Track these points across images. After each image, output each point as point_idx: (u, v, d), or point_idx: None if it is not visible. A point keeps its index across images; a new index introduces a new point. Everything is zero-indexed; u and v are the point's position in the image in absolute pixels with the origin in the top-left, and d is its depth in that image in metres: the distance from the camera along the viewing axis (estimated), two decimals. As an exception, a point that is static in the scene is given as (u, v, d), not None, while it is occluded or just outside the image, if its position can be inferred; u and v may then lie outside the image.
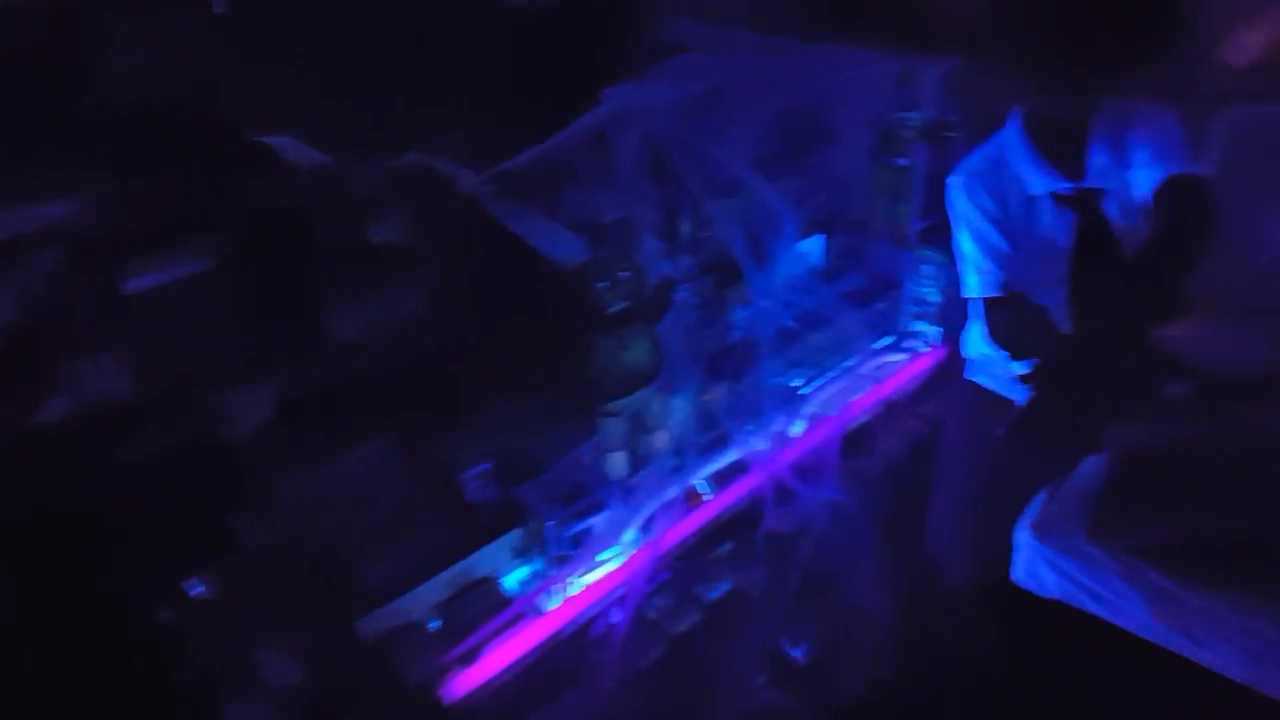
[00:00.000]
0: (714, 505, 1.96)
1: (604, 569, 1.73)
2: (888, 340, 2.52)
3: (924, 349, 2.52)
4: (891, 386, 2.41)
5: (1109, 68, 1.57)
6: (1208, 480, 1.38)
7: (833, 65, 2.26)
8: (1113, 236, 1.67)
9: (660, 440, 1.90)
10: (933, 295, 2.48)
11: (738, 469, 2.03)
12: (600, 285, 1.76)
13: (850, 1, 2.24)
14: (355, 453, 1.67)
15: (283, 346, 1.67)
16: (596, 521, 1.71)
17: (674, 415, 1.95)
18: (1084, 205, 1.67)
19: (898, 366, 2.47)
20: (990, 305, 1.74)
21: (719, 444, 2.04)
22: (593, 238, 1.82)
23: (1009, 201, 1.72)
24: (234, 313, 1.66)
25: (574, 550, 1.67)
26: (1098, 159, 1.63)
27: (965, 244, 1.77)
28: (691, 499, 1.92)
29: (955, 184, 1.76)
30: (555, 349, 1.74)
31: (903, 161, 2.31)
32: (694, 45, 2.54)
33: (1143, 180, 1.57)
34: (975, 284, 1.77)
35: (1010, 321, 1.70)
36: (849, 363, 2.39)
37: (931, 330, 2.51)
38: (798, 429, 2.18)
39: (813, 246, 2.36)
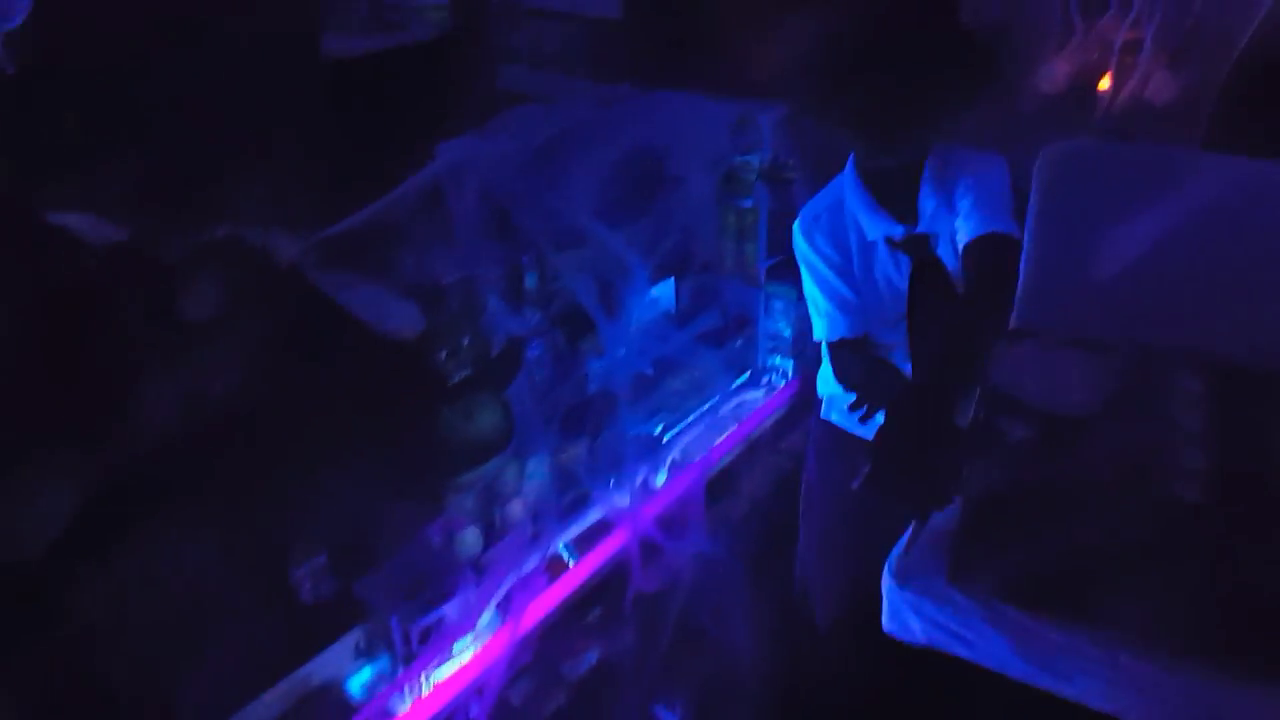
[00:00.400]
0: (578, 572, 1.87)
1: (460, 659, 1.62)
2: (745, 378, 2.50)
3: (781, 383, 2.51)
4: (752, 424, 2.39)
5: (926, 115, 1.58)
6: (1057, 518, 1.37)
7: (670, 111, 2.23)
8: (947, 281, 1.68)
9: (516, 509, 1.81)
10: (785, 330, 2.48)
11: (601, 529, 1.96)
12: (441, 355, 1.67)
13: (681, 49, 2.22)
14: (167, 554, 1.52)
15: (81, 440, 1.50)
16: (448, 609, 1.60)
17: (530, 480, 1.86)
18: (916, 250, 1.68)
19: (756, 404, 2.45)
20: (835, 349, 1.74)
21: (580, 505, 1.96)
22: (431, 303, 1.72)
23: (849, 245, 1.72)
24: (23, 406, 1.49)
25: (424, 645, 1.56)
26: (928, 204, 1.63)
27: (810, 288, 1.76)
28: (553, 568, 1.84)
29: (798, 229, 1.75)
30: (393, 426, 1.63)
31: (746, 203, 2.30)
32: (531, 94, 2.48)
33: (962, 228, 1.58)
34: (821, 328, 1.76)
35: (855, 366, 1.69)
36: (709, 404, 2.35)
37: (786, 364, 2.51)
38: (661, 479, 2.13)
39: (664, 290, 2.32)
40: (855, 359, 1.69)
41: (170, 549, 1.55)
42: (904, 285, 1.69)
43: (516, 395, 1.86)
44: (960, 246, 1.56)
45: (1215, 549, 1.29)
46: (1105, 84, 3.08)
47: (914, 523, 1.54)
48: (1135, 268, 1.67)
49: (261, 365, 1.70)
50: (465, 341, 1.69)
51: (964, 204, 1.58)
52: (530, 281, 2.05)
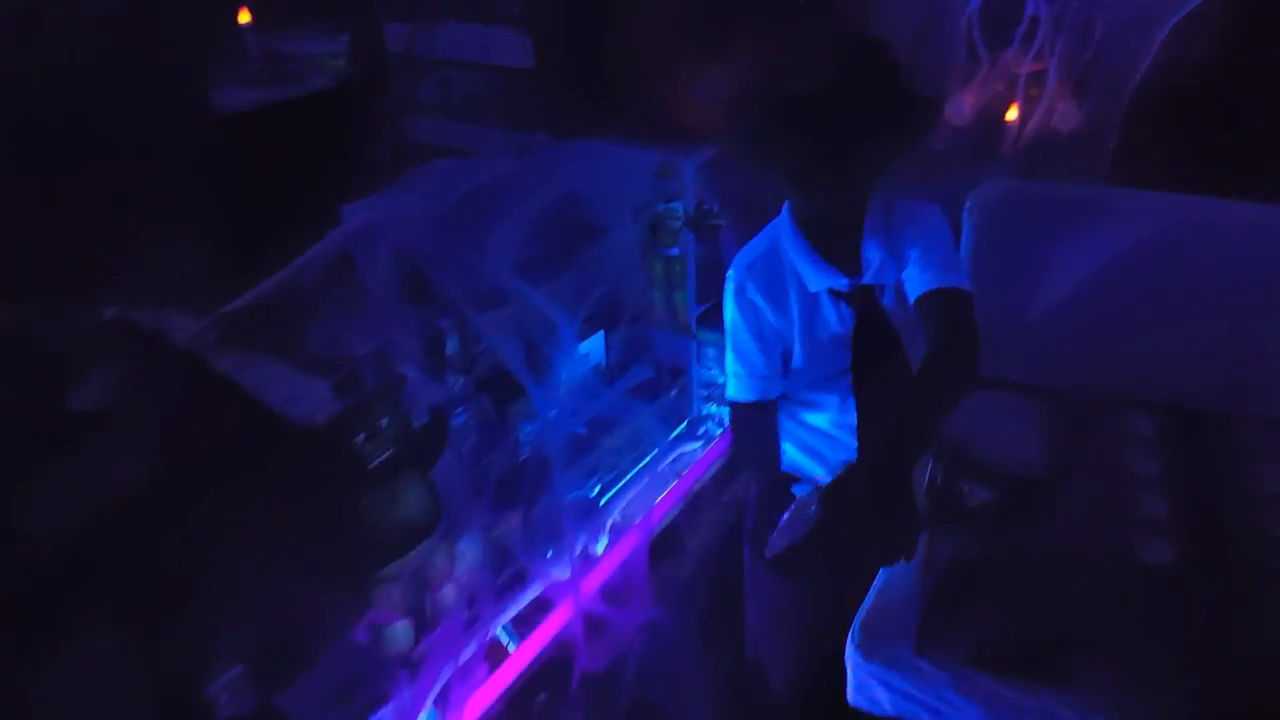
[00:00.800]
0: (519, 657, 1.74)
1: (398, 769, 1.48)
2: (681, 428, 2.41)
3: (718, 432, 2.43)
4: (692, 478, 2.30)
5: (867, 166, 1.52)
6: (1024, 584, 1.31)
7: (590, 160, 2.14)
8: (892, 335, 1.62)
9: (448, 595, 1.67)
10: (719, 377, 2.40)
11: (541, 607, 1.83)
12: (358, 437, 1.53)
13: (599, 97, 2.14)
14: (61, 677, 1.34)
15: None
16: (382, 714, 1.45)
17: (462, 562, 1.72)
18: (861, 303, 1.61)
19: (695, 455, 2.36)
20: (740, 412, 1.66)
21: (517, 582, 1.83)
22: (344, 380, 1.59)
23: (787, 296, 1.64)
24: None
25: (356, 758, 1.41)
26: (873, 255, 1.56)
27: (729, 343, 1.67)
28: (493, 655, 1.70)
29: (732, 279, 1.66)
30: (309, 519, 1.48)
31: (673, 251, 2.22)
32: (443, 146, 2.37)
33: (913, 281, 1.52)
34: (734, 387, 1.68)
35: (756, 442, 1.62)
36: (646, 460, 2.25)
37: (722, 411, 2.43)
38: (601, 546, 2.01)
39: (593, 345, 2.21)
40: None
41: (64, 670, 1.38)
42: (845, 336, 1.62)
43: (443, 470, 1.73)
44: (912, 300, 1.50)
45: (1185, 613, 1.25)
46: (1012, 115, 3.12)
47: (875, 590, 1.46)
48: (1073, 309, 1.64)
49: (158, 460, 1.53)
50: (384, 420, 1.55)
51: (913, 255, 1.52)
52: (452, 346, 1.93)
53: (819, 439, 1.69)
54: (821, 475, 1.68)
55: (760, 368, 1.66)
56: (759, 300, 1.63)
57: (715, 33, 2.08)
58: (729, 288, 1.67)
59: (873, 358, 1.62)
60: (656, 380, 2.36)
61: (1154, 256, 1.62)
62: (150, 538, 1.49)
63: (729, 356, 1.70)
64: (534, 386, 1.94)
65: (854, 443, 1.64)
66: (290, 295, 1.73)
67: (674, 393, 2.36)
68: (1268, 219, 1.64)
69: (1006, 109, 3.07)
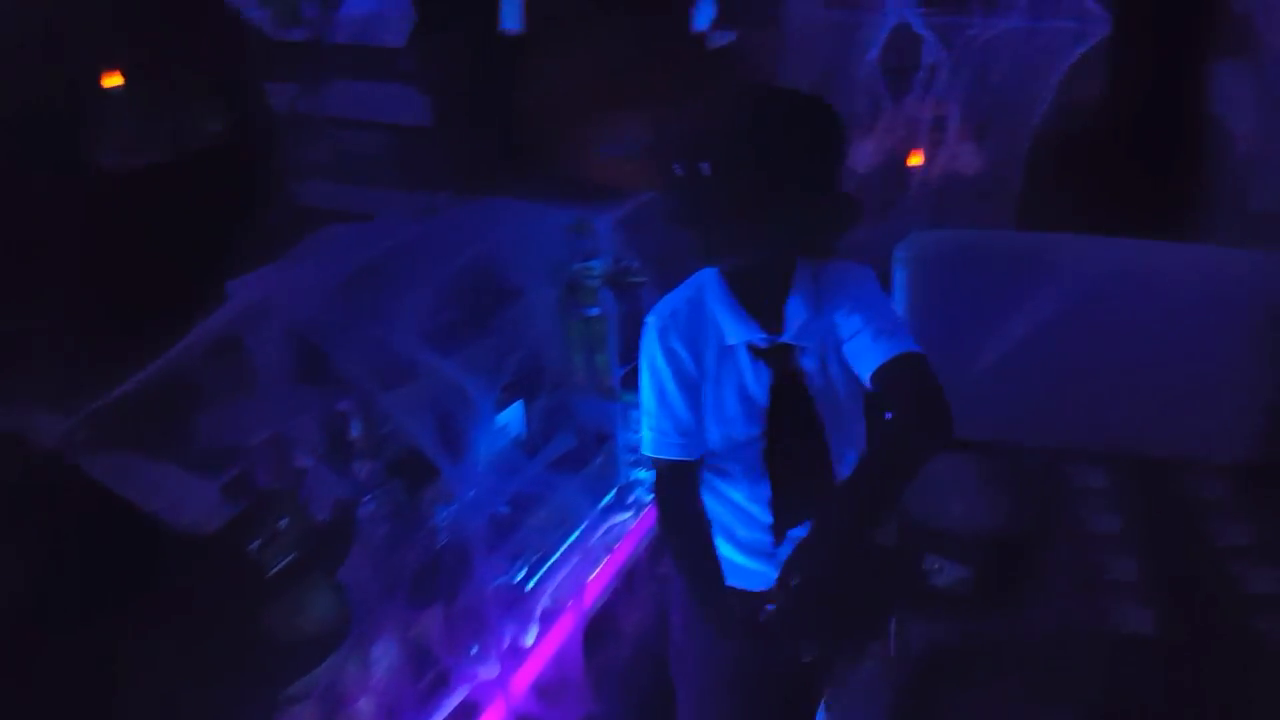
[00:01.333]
0: (448, 772, 1.57)
1: None
2: (610, 498, 2.28)
3: (648, 498, 2.31)
4: (625, 551, 2.17)
5: (799, 229, 1.44)
6: (1001, 671, 1.21)
7: (499, 220, 2.03)
8: (808, 399, 1.52)
9: (365, 709, 1.49)
10: (646, 441, 2.29)
11: (468, 712, 1.67)
12: (253, 544, 1.36)
13: (504, 155, 2.04)
14: None
15: None
16: None
17: (378, 670, 1.55)
18: (779, 361, 1.51)
19: (626, 526, 2.23)
20: (665, 472, 1.55)
21: (440, 686, 1.67)
22: (235, 481, 1.42)
23: (706, 348, 1.53)
24: None
25: None
26: (797, 314, 1.48)
27: (647, 394, 1.56)
28: (419, 774, 1.53)
29: (653, 325, 1.54)
30: (203, 640, 1.30)
31: (592, 311, 2.11)
32: (339, 211, 2.22)
33: (864, 353, 1.44)
34: (653, 443, 1.56)
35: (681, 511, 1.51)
36: (575, 536, 2.11)
37: (651, 475, 2.31)
38: (531, 637, 1.86)
39: (512, 416, 2.08)
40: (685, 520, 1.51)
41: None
42: (761, 398, 1.52)
43: (352, 570, 1.57)
44: (868, 376, 1.41)
45: (1168, 690, 1.18)
46: (916, 160, 3.14)
47: (832, 687, 1.34)
48: (1014, 360, 1.60)
49: (26, 582, 1.33)
50: (282, 521, 1.39)
51: (853, 324, 1.44)
52: (356, 430, 1.76)
53: (730, 512, 1.58)
54: (729, 554, 1.57)
55: (685, 422, 1.53)
56: (680, 348, 1.52)
57: (626, 84, 2.01)
58: (649, 334, 1.55)
59: (787, 424, 1.52)
60: (581, 449, 2.23)
61: (1091, 302, 1.59)
62: (23, 672, 1.29)
63: (647, 410, 1.57)
64: (449, 467, 1.79)
65: (766, 519, 1.55)
66: (172, 384, 1.56)
67: (600, 460, 2.24)
68: (1196, 258, 1.64)
69: (910, 155, 3.10)
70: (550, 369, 2.15)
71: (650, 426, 1.55)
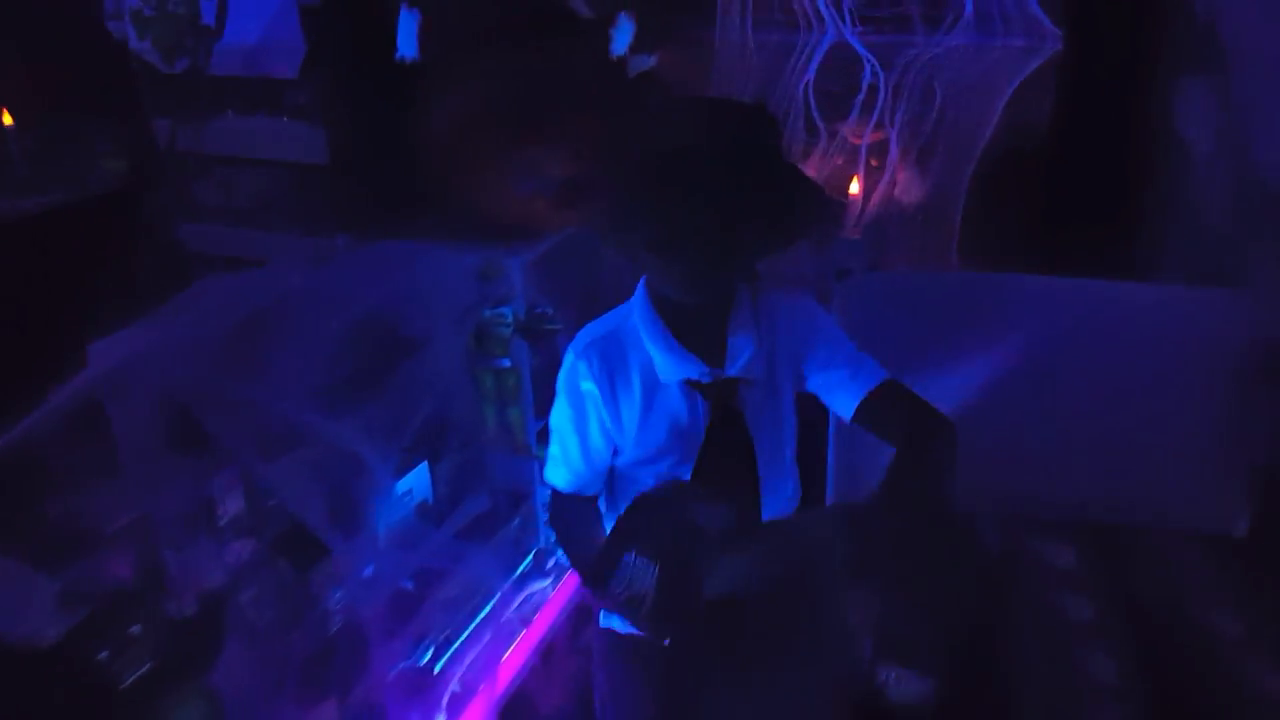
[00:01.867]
0: None
1: None
2: (527, 563, 2.14)
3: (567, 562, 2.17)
4: (543, 624, 2.03)
5: (752, 251, 1.34)
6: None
7: (399, 264, 1.88)
8: (747, 437, 1.43)
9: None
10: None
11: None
12: (101, 654, 1.21)
13: (405, 194, 1.89)
14: None
15: None
16: None
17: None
18: (720, 396, 1.42)
19: (544, 594, 2.09)
20: (558, 498, 1.48)
21: (333, 796, 1.51)
22: (79, 584, 1.26)
23: (629, 383, 1.43)
24: None
25: None
26: (743, 348, 1.40)
27: (560, 421, 1.47)
28: None
29: (574, 354, 1.44)
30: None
31: (503, 362, 1.98)
32: (234, 256, 2.06)
33: (840, 389, 1.40)
34: (552, 470, 1.49)
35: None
36: (488, 610, 1.97)
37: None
38: (438, 728, 1.71)
39: (417, 480, 1.93)
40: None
41: None
42: (695, 433, 1.42)
43: (227, 670, 1.41)
44: (850, 413, 1.40)
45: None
46: (855, 188, 3.05)
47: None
48: (966, 419, 1.49)
49: None
50: (136, 627, 1.23)
51: (816, 359, 1.42)
52: (234, 505, 1.61)
53: None
54: None
55: (594, 459, 1.46)
56: (595, 388, 1.42)
57: (537, 115, 1.88)
58: (564, 370, 1.45)
59: (719, 458, 1.44)
60: (494, 512, 2.09)
61: (1050, 351, 1.50)
62: None
63: (557, 435, 1.49)
64: (341, 543, 1.65)
65: None
66: (16, 463, 1.39)
67: (516, 523, 2.10)
68: (1161, 299, 1.54)
69: (847, 183, 3.01)
70: (458, 426, 2.01)
71: (557, 456, 1.46)
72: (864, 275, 1.59)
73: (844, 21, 2.78)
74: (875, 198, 3.00)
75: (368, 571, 1.73)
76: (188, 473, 1.56)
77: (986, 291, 1.59)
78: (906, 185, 3.03)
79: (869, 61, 2.81)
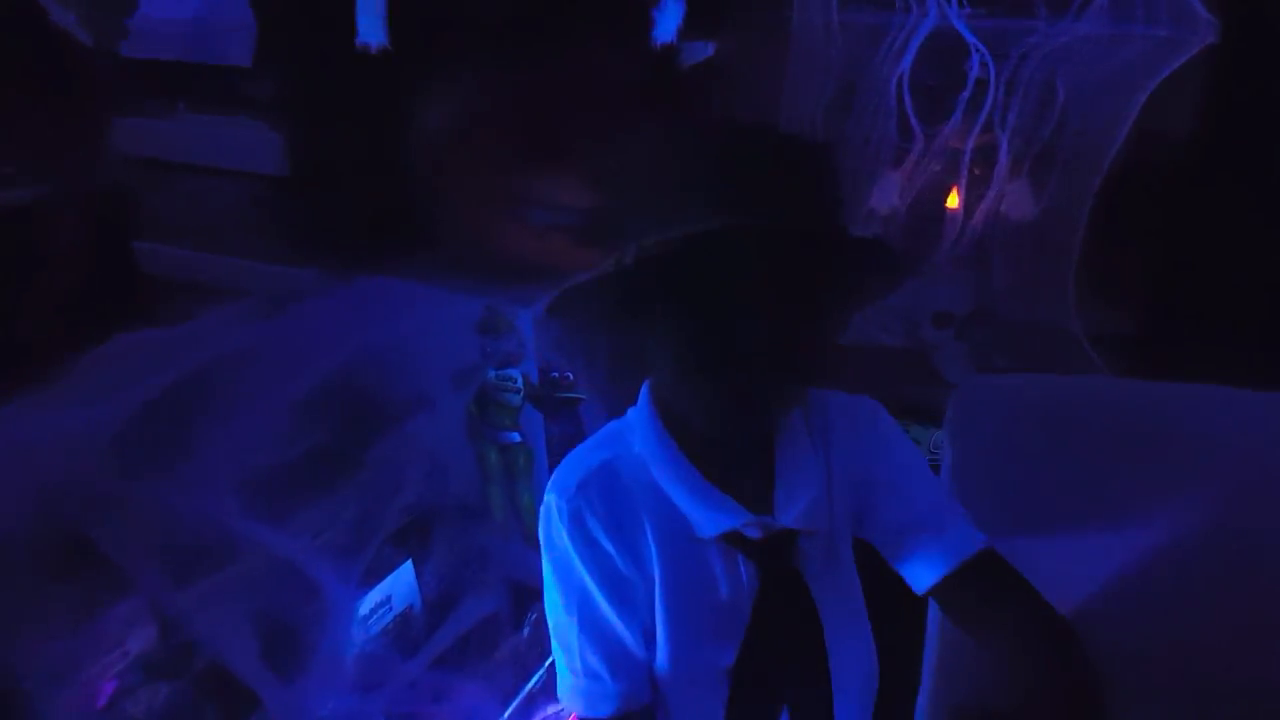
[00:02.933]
0: None
1: None
2: (539, 677, 1.74)
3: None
4: (558, 758, 1.63)
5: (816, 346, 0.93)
6: None
7: (377, 312, 1.49)
8: (812, 613, 1.01)
9: None
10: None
11: None
12: None
13: (390, 219, 1.50)
14: None
15: None
16: None
17: None
18: (772, 559, 0.99)
19: (562, 717, 1.69)
20: None
21: None
22: None
23: (640, 540, 1.01)
24: None
25: None
26: (800, 490, 1.00)
27: (559, 618, 1.02)
28: None
29: (552, 508, 1.01)
30: None
31: (512, 437, 1.58)
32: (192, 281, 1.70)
33: (911, 547, 1.01)
34: (573, 689, 1.01)
35: None
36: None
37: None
38: None
39: (398, 584, 1.54)
40: None
41: None
42: (740, 607, 0.99)
43: None
44: (931, 582, 1.00)
45: None
46: (954, 202, 2.59)
47: None
48: (1128, 582, 1.05)
49: None
50: None
51: (886, 502, 1.02)
52: (137, 644, 1.24)
53: None
54: None
55: (623, 652, 1.01)
56: (606, 541, 0.99)
57: (560, 121, 1.47)
58: (552, 523, 1.01)
59: (776, 644, 1.01)
60: (498, 611, 1.70)
61: (1249, 498, 1.03)
62: None
63: (563, 642, 1.04)
64: (278, 688, 1.26)
65: None
66: None
67: (527, 631, 1.70)
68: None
69: (945, 196, 2.56)
70: (454, 513, 1.61)
71: (571, 667, 1.02)
72: (985, 380, 1.14)
73: (949, 2, 2.32)
74: (978, 215, 2.55)
75: (322, 713, 1.35)
76: (72, 604, 1.19)
77: (1166, 405, 1.11)
78: (1018, 200, 2.57)
79: (978, 51, 2.34)
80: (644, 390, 1.03)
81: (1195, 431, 1.04)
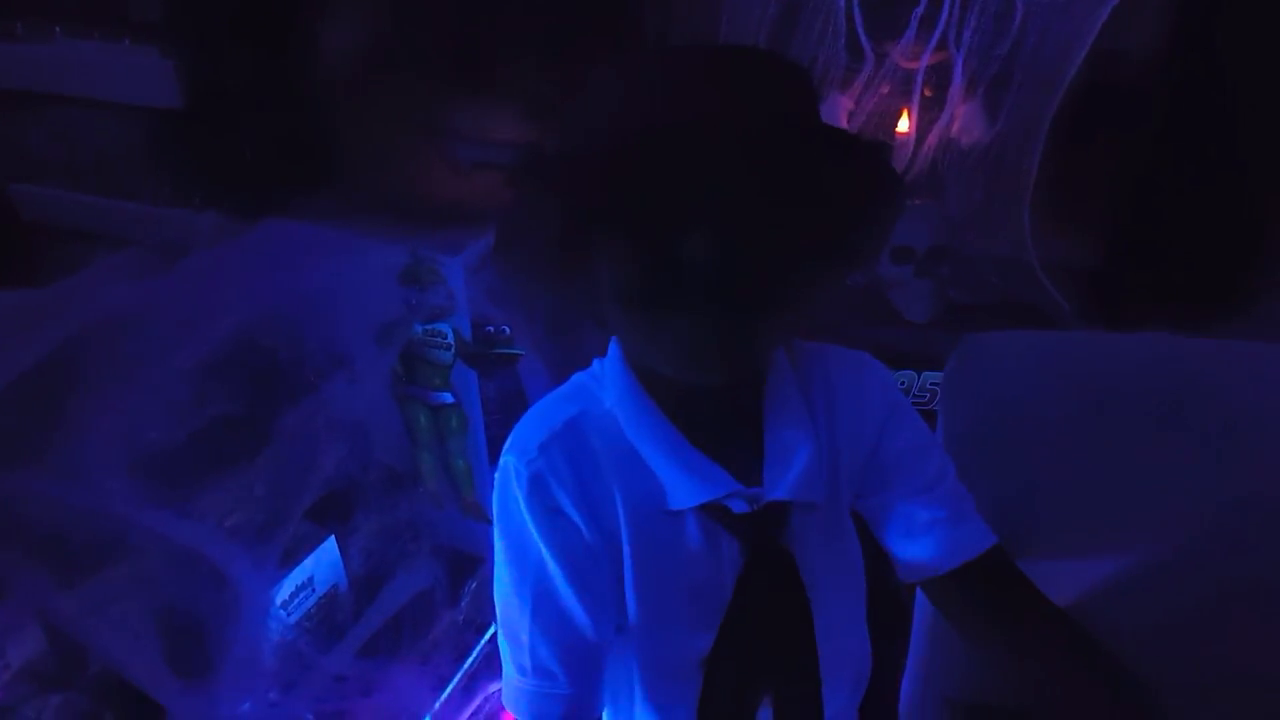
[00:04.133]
0: None
1: None
2: (480, 650, 1.63)
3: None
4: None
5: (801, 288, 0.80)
6: None
7: (287, 262, 1.33)
8: (799, 593, 0.91)
9: None
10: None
11: None
12: None
13: (299, 154, 1.32)
14: None
15: None
16: None
17: None
18: (757, 533, 0.88)
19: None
20: None
21: None
22: None
23: (610, 507, 0.89)
24: None
25: None
26: (793, 447, 0.88)
27: (509, 599, 0.90)
28: None
29: (510, 471, 0.88)
30: None
31: (444, 397, 1.43)
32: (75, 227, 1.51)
33: (899, 520, 0.92)
34: (519, 687, 0.88)
35: None
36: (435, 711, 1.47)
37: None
38: None
39: (320, 563, 1.40)
40: None
41: None
42: (721, 589, 0.89)
43: None
44: (932, 570, 0.90)
45: None
46: (905, 126, 2.48)
47: None
48: (1138, 563, 0.96)
49: None
50: None
51: (891, 476, 0.91)
52: (20, 653, 1.09)
53: None
54: None
55: (580, 651, 0.90)
56: (572, 510, 0.87)
57: (489, 45, 1.30)
58: (509, 488, 0.89)
59: (759, 632, 0.90)
60: (435, 584, 1.57)
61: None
62: None
63: (510, 628, 0.92)
64: (184, 692, 1.13)
65: None
66: None
67: (465, 600, 1.58)
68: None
69: (894, 119, 2.43)
70: (379, 482, 1.47)
71: (519, 664, 0.90)
72: (991, 337, 1.03)
73: (902, -88, 2.17)
74: (931, 139, 2.44)
75: (243, 707, 1.23)
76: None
77: (1195, 367, 1.00)
78: (969, 123, 2.47)
79: (932, -34, 2.21)
80: (614, 341, 0.90)
81: (1218, 392, 0.95)
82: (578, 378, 0.94)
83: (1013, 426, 0.98)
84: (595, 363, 0.92)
